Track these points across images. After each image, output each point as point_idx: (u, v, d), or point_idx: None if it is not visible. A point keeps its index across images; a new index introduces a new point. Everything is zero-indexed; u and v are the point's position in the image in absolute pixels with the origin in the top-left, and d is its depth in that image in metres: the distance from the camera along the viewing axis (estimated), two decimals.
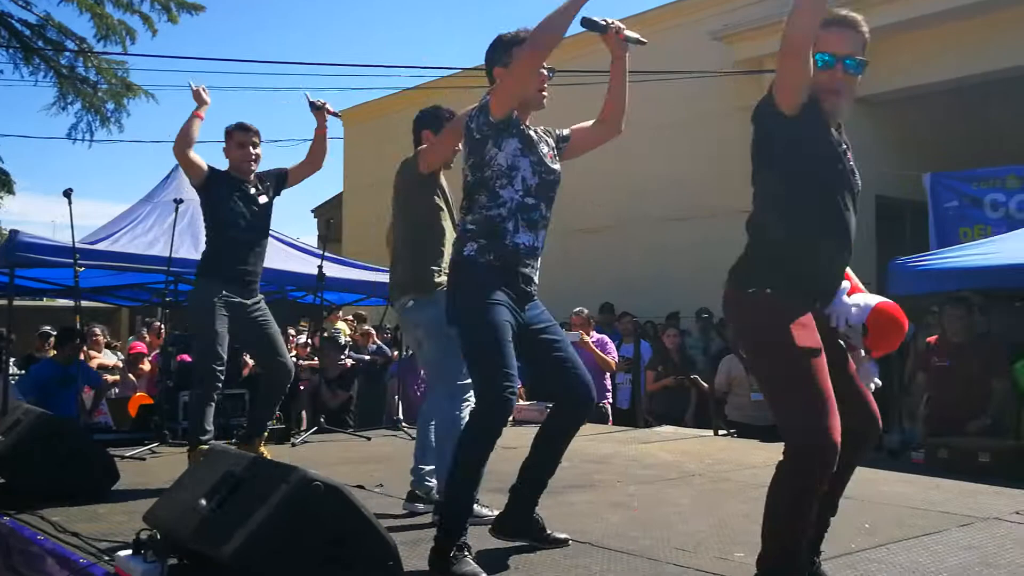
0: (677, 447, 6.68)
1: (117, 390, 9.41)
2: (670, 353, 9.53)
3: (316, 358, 10.11)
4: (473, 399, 3.66)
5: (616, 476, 5.37)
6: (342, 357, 9.58)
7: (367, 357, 10.25)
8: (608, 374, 8.49)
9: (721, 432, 7.56)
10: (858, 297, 2.95)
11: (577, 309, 8.60)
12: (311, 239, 16.33)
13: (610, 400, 8.57)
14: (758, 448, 6.57)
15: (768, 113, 2.84)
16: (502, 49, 3.54)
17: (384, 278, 6.63)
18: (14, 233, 7.03)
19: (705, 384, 8.80)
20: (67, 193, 6.43)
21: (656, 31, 13.47)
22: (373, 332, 10.82)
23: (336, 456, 5.97)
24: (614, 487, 5.04)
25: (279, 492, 2.82)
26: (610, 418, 8.40)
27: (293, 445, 6.66)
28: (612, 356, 8.39)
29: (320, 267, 7.41)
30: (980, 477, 5.24)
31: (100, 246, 7.80)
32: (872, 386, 2.93)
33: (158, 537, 3.17)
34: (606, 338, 8.57)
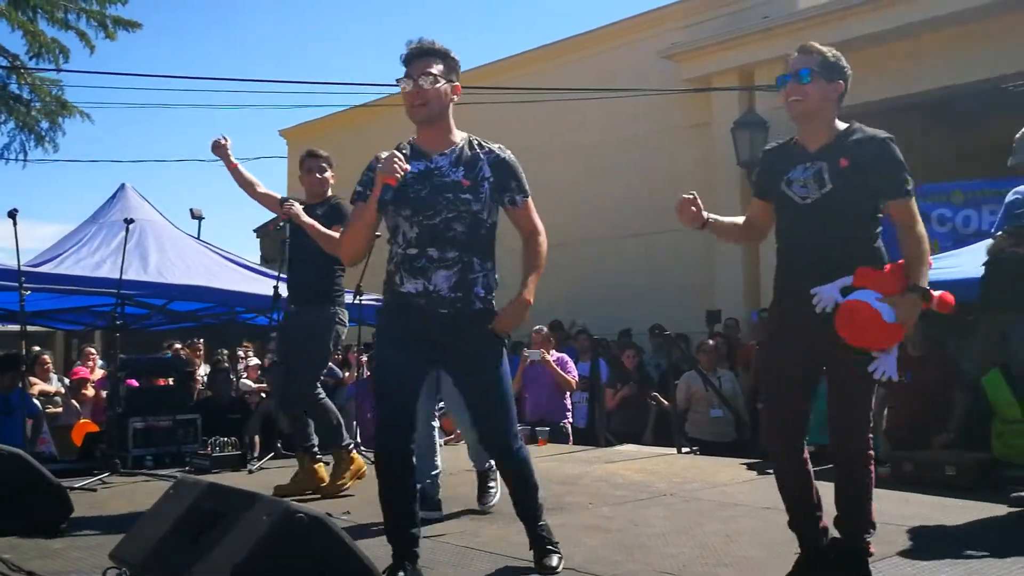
0: (643, 466, 6.62)
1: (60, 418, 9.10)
2: (628, 371, 9.51)
3: (266, 381, 9.91)
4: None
5: (586, 497, 5.29)
6: None
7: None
8: (568, 393, 8.42)
9: (684, 449, 7.53)
10: (856, 292, 3.11)
11: (537, 327, 8.53)
12: (254, 259, 16.05)
13: (570, 419, 8.49)
14: (723, 466, 6.53)
15: None
16: None
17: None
18: None
19: (666, 401, 8.78)
20: (12, 214, 6.18)
21: (605, 50, 13.59)
22: None
23: None
24: (586, 509, 4.96)
25: (262, 525, 2.69)
26: (570, 437, 8.32)
27: (250, 472, 6.46)
28: (572, 375, 8.33)
29: (276, 287, 7.22)
30: (946, 491, 5.26)
31: (45, 268, 7.54)
32: (883, 378, 3.11)
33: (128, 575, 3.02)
34: (566, 356, 8.50)
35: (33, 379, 9.18)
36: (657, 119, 12.66)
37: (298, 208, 5.16)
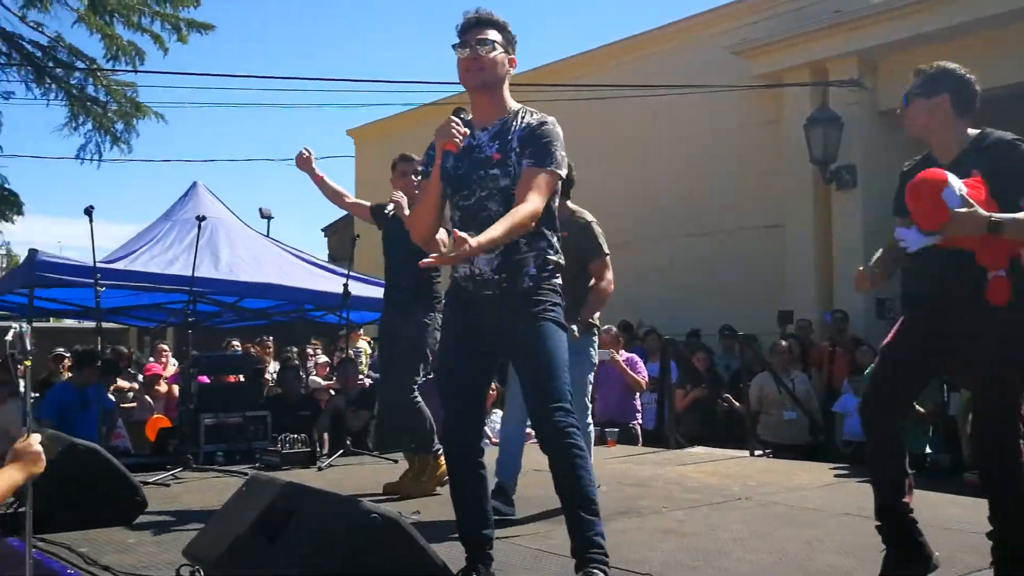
0: (715, 469, 6.48)
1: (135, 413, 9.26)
2: (699, 372, 9.36)
3: (335, 378, 9.97)
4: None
5: (659, 501, 5.17)
6: (361, 377, 9.43)
7: None
8: (637, 394, 8.30)
9: (757, 452, 7.36)
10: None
11: (606, 327, 8.41)
12: (322, 257, 16.25)
13: (639, 421, 8.37)
14: (800, 469, 6.37)
15: None
16: None
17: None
18: (33, 253, 6.88)
19: (737, 403, 8.62)
20: (88, 210, 6.27)
21: (673, 46, 13.39)
22: None
23: (368, 481, 5.76)
24: (660, 512, 4.85)
25: (338, 526, 2.65)
26: (640, 439, 8.20)
27: (319, 469, 6.46)
28: (642, 375, 8.20)
29: (346, 285, 7.25)
30: None
31: (119, 265, 7.64)
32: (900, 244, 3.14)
33: (201, 573, 3.00)
34: (636, 357, 8.38)
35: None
36: (726, 116, 12.43)
37: (404, 203, 5.10)
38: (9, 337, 3.91)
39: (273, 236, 12.16)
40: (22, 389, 4.78)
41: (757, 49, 12.12)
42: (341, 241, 24.74)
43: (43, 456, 2.78)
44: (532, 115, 3.32)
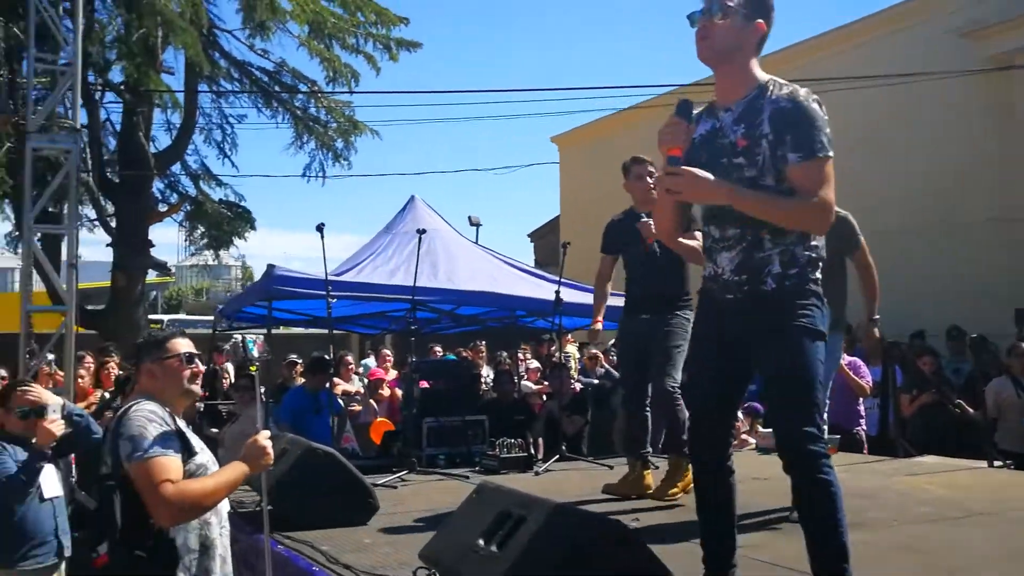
0: (950, 480, 6.10)
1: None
2: (925, 376, 8.84)
3: (547, 383, 10.13)
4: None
5: (890, 513, 4.93)
6: (572, 381, 9.52)
7: (595, 381, 10.15)
8: (861, 399, 7.94)
9: (996, 463, 6.87)
10: None
11: None
12: (528, 262, 16.63)
13: (863, 427, 8.01)
14: None
15: None
16: None
17: (617, 302, 6.47)
18: (271, 268, 7.39)
19: (971, 409, 8.08)
20: (319, 227, 6.68)
21: (897, 30, 12.74)
22: (601, 356, 10.71)
23: (586, 487, 5.81)
24: (891, 527, 4.62)
25: (569, 534, 2.69)
26: (864, 445, 7.84)
27: (536, 474, 6.57)
28: (866, 379, 7.83)
29: (557, 292, 7.35)
30: None
31: (346, 277, 8.09)
32: None
33: None
34: (859, 361, 8.01)
35: (336, 379, 9.89)
36: (951, 103, 11.71)
37: (652, 229, 5.00)
38: (228, 346, 4.19)
39: (482, 243, 12.53)
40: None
41: (986, 31, 11.37)
42: (547, 246, 25.15)
43: (270, 453, 2.95)
44: (782, 88, 2.93)
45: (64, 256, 7.45)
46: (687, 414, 5.13)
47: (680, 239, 3.86)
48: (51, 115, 7.69)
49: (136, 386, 3.10)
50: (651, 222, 4.90)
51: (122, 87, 14.28)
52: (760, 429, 7.75)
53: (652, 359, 5.35)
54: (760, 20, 2.98)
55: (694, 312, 3.44)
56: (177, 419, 2.89)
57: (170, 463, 2.71)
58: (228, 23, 15.62)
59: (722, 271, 3.02)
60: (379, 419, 9.49)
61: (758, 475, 5.27)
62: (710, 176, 2.84)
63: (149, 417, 2.77)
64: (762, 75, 2.99)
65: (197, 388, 3.04)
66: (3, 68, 6.97)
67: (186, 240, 17.56)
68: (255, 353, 3.31)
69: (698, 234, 3.74)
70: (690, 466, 5.04)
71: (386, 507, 5.07)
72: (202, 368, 3.06)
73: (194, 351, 2.98)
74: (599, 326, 5.85)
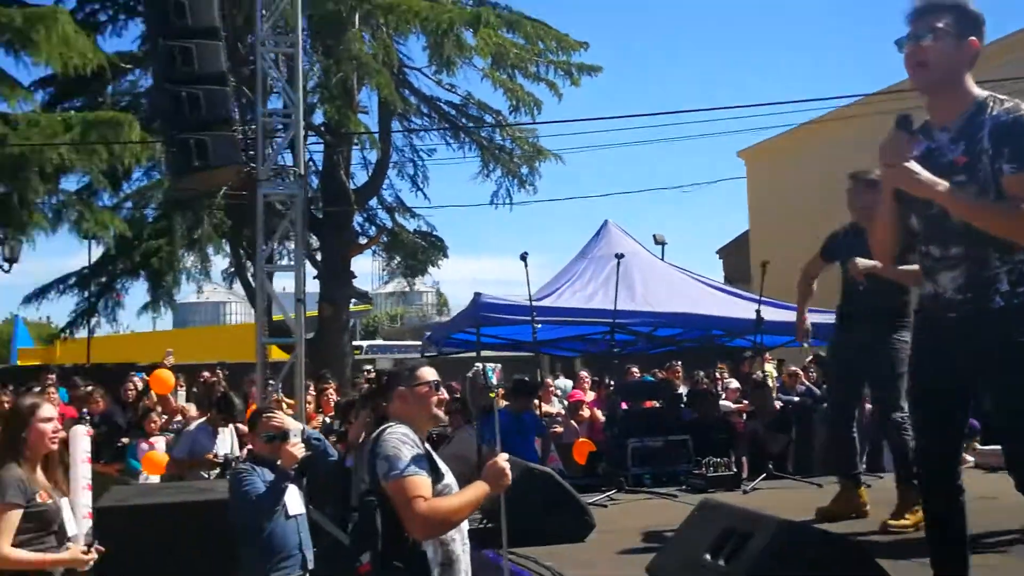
0: None
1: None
2: None
3: (746, 401, 10.07)
4: None
5: None
6: (773, 399, 9.44)
7: (796, 399, 10.01)
8: None
9: None
10: None
11: None
12: (717, 278, 16.50)
13: None
14: None
15: None
16: None
17: (822, 318, 6.41)
18: (478, 296, 7.78)
19: None
20: (523, 256, 7.00)
21: None
22: (801, 373, 10.55)
23: (798, 505, 5.76)
24: None
25: (794, 550, 2.79)
26: None
27: (744, 492, 6.59)
28: None
29: (758, 311, 7.37)
30: None
31: (546, 302, 8.38)
32: None
33: None
34: None
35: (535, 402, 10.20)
36: None
37: (860, 267, 4.86)
38: (470, 374, 4.51)
39: (668, 260, 12.59)
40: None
41: None
42: (735, 262, 24.78)
43: (509, 474, 3.16)
44: (1003, 104, 2.88)
45: (293, 291, 8.04)
46: (910, 437, 5.00)
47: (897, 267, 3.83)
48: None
49: (386, 410, 3.40)
50: (860, 261, 4.74)
51: (322, 128, 15.20)
52: (978, 447, 7.46)
53: (869, 382, 5.24)
54: (973, 38, 2.91)
55: (911, 332, 3.37)
56: (424, 443, 3.17)
57: (422, 482, 2.98)
58: (416, 60, 16.34)
59: (944, 290, 2.97)
60: (581, 439, 9.70)
61: (985, 494, 5.09)
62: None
63: (402, 439, 3.06)
64: (979, 92, 2.94)
65: (442, 414, 3.32)
66: (236, 124, 7.62)
67: (383, 269, 18.41)
68: (494, 380, 3.52)
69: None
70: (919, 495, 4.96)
71: (599, 525, 5.19)
72: (446, 396, 3.34)
73: (439, 380, 3.27)
74: (808, 325, 5.76)
